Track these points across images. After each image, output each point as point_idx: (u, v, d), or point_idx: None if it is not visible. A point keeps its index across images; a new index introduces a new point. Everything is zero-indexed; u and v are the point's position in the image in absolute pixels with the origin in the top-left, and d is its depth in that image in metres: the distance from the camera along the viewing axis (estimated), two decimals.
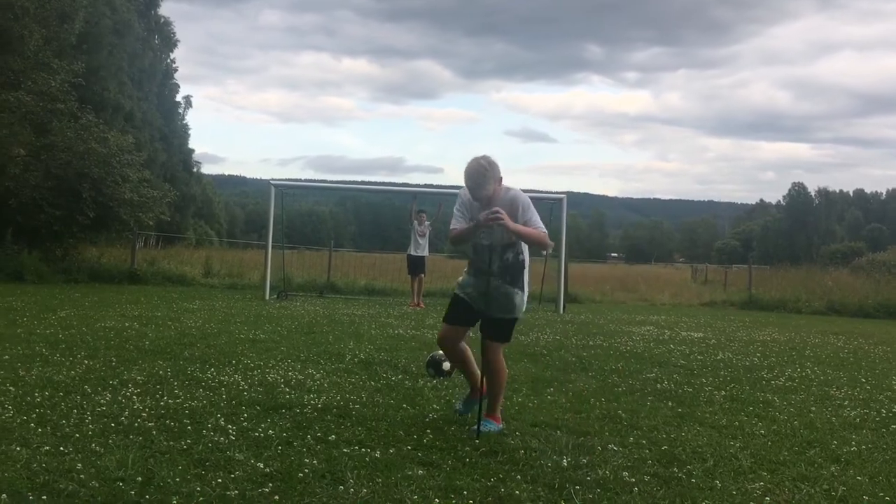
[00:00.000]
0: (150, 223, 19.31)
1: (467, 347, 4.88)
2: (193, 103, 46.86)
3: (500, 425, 4.66)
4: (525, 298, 4.71)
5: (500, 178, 4.55)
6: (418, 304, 14.25)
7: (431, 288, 16.80)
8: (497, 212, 4.34)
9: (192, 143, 45.43)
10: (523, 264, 4.67)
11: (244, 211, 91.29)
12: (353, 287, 17.54)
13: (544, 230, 4.55)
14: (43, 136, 16.49)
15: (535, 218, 4.52)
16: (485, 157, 4.50)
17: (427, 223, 14.76)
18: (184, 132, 43.79)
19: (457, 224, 4.64)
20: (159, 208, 18.31)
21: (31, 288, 13.58)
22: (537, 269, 15.80)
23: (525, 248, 4.67)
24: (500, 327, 4.69)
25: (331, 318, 11.12)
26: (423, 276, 14.66)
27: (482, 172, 4.45)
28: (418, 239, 14.56)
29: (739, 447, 4.52)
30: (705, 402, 5.88)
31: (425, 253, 14.63)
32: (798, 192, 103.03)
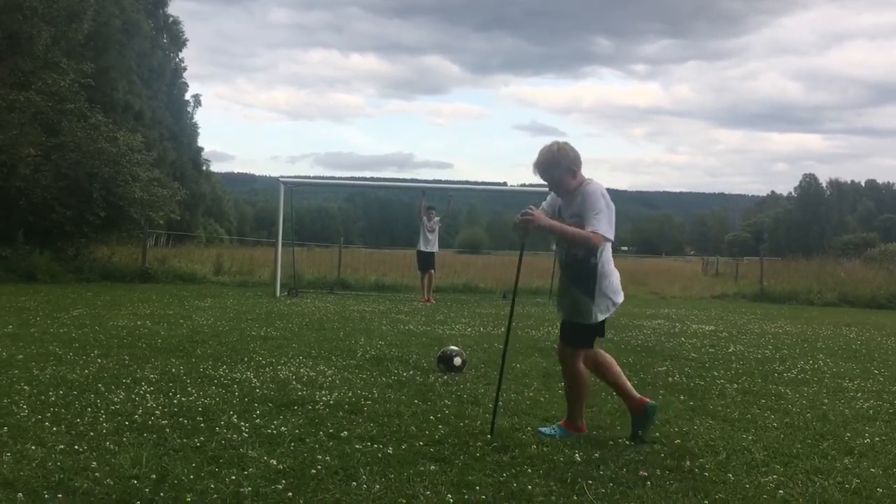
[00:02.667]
0: (161, 222, 19.39)
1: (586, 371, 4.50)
2: (202, 102, 47.22)
3: (569, 432, 4.44)
4: (598, 306, 4.28)
5: (573, 170, 4.24)
6: (428, 300, 14.26)
7: (441, 283, 16.81)
8: (527, 212, 4.12)
9: (201, 142, 45.75)
10: (594, 268, 4.25)
11: (254, 208, 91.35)
12: (363, 283, 17.55)
13: (598, 231, 4.11)
14: (53, 136, 16.57)
15: (593, 216, 4.13)
16: (556, 142, 4.29)
17: (436, 219, 14.76)
18: (193, 131, 44.03)
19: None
20: (169, 207, 18.38)
21: (43, 287, 13.67)
22: (542, 266, 15.81)
23: (603, 252, 4.29)
24: (566, 328, 4.47)
25: (341, 314, 11.15)
26: (432, 271, 14.68)
27: (547, 156, 4.22)
28: (428, 235, 14.57)
29: (752, 440, 4.51)
30: (717, 396, 5.86)
31: (435, 249, 14.65)
32: (809, 183, 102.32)
